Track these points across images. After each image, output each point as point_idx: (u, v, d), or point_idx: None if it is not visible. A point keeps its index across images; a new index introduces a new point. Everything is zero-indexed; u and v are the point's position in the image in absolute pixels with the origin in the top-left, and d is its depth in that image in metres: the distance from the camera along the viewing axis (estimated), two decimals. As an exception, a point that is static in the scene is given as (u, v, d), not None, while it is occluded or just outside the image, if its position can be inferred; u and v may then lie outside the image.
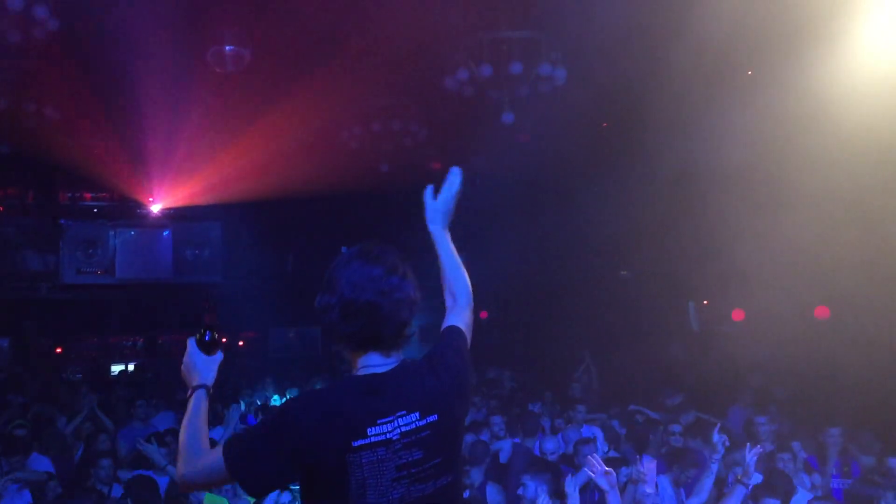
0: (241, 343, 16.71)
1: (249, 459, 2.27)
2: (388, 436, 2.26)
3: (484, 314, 14.51)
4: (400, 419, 2.29)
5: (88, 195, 15.13)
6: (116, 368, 15.21)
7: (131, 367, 15.05)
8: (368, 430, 2.25)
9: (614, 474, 4.53)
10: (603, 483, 4.45)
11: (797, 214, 8.62)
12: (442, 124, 11.70)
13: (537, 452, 7.29)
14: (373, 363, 2.37)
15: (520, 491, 5.65)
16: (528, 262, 13.71)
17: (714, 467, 5.04)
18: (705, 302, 13.18)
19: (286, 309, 15.69)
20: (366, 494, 2.23)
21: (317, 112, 10.57)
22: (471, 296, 2.73)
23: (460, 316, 2.67)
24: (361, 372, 2.37)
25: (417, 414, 2.32)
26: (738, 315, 12.03)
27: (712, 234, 9.82)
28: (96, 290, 14.79)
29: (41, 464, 7.13)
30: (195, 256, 14.93)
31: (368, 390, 2.31)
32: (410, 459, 2.29)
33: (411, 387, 2.36)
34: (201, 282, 15.01)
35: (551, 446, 7.15)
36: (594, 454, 4.78)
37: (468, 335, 2.63)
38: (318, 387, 2.47)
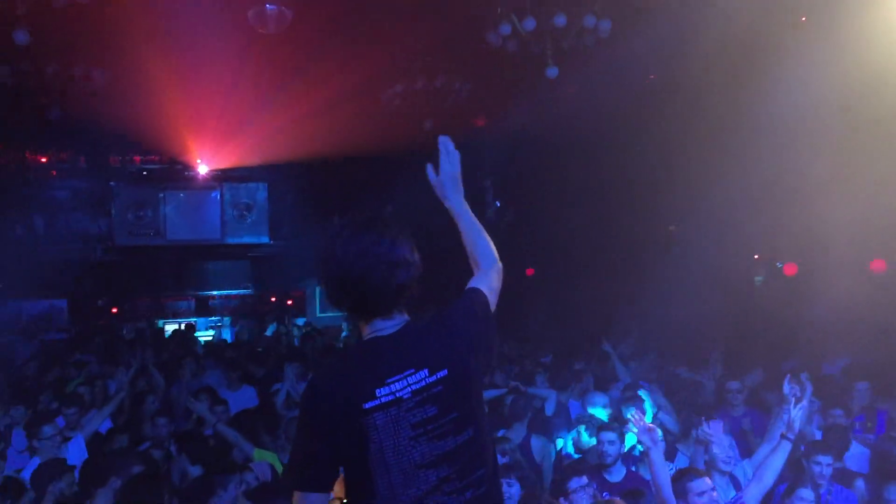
0: (289, 302, 16.95)
1: (312, 467, 2.29)
2: (398, 394, 2.27)
3: (530, 271, 14.48)
4: (409, 377, 2.29)
5: (138, 158, 15.39)
6: (169, 328, 15.57)
7: (183, 325, 15.37)
8: (377, 390, 2.25)
9: (657, 430, 4.50)
10: (646, 440, 4.43)
11: (851, 166, 8.39)
12: (485, 80, 11.56)
13: (580, 409, 7.29)
14: (378, 328, 2.37)
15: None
16: (574, 219, 13.58)
17: (785, 417, 4.90)
18: (756, 256, 12.94)
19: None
20: (385, 457, 2.24)
21: (360, 71, 10.53)
22: (495, 260, 2.66)
23: (483, 279, 2.62)
24: (367, 337, 2.38)
25: (426, 370, 2.31)
26: (790, 269, 11.79)
27: (764, 186, 9.60)
28: (148, 252, 15.11)
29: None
30: (242, 217, 15.12)
31: (375, 353, 2.33)
32: (425, 416, 2.28)
33: (418, 345, 2.36)
34: (249, 242, 15.22)
35: (599, 402, 7.14)
36: (637, 412, 4.73)
37: (491, 297, 2.57)
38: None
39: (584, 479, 4.79)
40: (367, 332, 2.38)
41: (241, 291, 16.81)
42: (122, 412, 7.87)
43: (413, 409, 2.27)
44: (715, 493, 4.50)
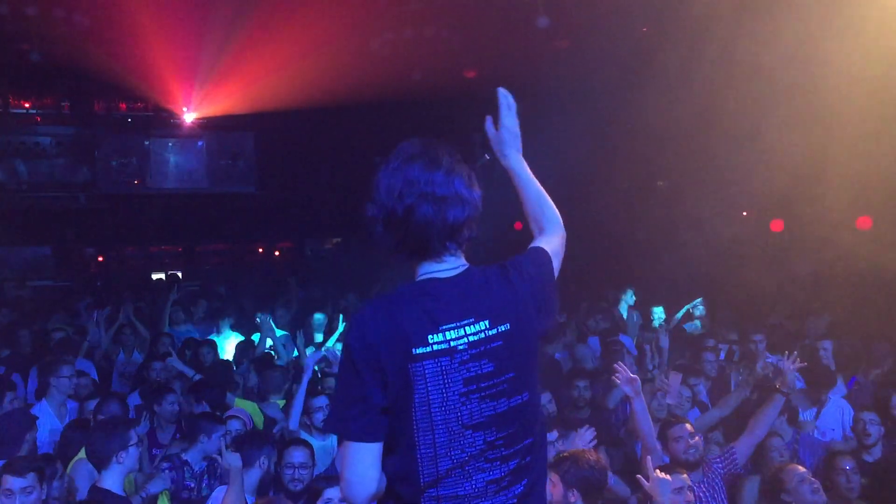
0: (276, 253, 16.91)
1: (367, 414, 2.03)
2: (452, 344, 2.04)
3: (518, 225, 14.46)
4: (466, 327, 2.06)
5: (123, 105, 15.16)
6: (157, 276, 15.51)
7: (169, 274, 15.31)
8: (429, 336, 2.03)
9: (639, 381, 4.55)
10: (628, 390, 4.49)
11: (835, 127, 8.37)
12: (476, 31, 11.39)
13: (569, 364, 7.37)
14: (432, 270, 2.13)
15: None
16: (562, 173, 13.52)
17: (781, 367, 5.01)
18: (745, 213, 12.96)
19: (321, 219, 15.79)
20: (431, 412, 2.02)
21: (348, 18, 10.35)
22: (561, 225, 2.46)
23: (548, 242, 2.39)
24: (421, 278, 2.14)
25: (487, 321, 2.08)
26: (777, 225, 11.82)
27: (753, 145, 9.58)
28: (134, 200, 14.98)
29: (84, 367, 7.34)
30: (229, 166, 15.00)
31: (429, 296, 2.08)
32: (480, 372, 2.06)
33: (480, 293, 2.11)
34: (236, 192, 15.11)
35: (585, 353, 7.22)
36: (621, 363, 4.78)
37: (556, 261, 2.35)
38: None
39: (555, 434, 4.82)
40: (419, 274, 2.14)
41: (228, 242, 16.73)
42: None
43: (467, 363, 2.05)
44: (696, 439, 4.58)
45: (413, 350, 2.01)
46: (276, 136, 15.25)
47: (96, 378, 7.18)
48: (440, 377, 2.02)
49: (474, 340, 2.06)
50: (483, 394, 2.05)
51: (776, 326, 8.86)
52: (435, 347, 2.03)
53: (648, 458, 4.04)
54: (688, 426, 4.67)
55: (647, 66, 10.88)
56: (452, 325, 2.05)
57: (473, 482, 2.05)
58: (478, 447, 2.05)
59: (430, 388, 2.02)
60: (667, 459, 4.51)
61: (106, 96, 14.85)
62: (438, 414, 2.02)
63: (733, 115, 9.96)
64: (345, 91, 12.27)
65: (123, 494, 4.28)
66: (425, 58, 11.71)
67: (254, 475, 4.53)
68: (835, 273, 10.07)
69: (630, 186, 13.60)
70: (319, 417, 5.58)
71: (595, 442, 4.32)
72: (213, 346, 7.94)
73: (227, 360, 7.94)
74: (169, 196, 15.02)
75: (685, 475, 4.11)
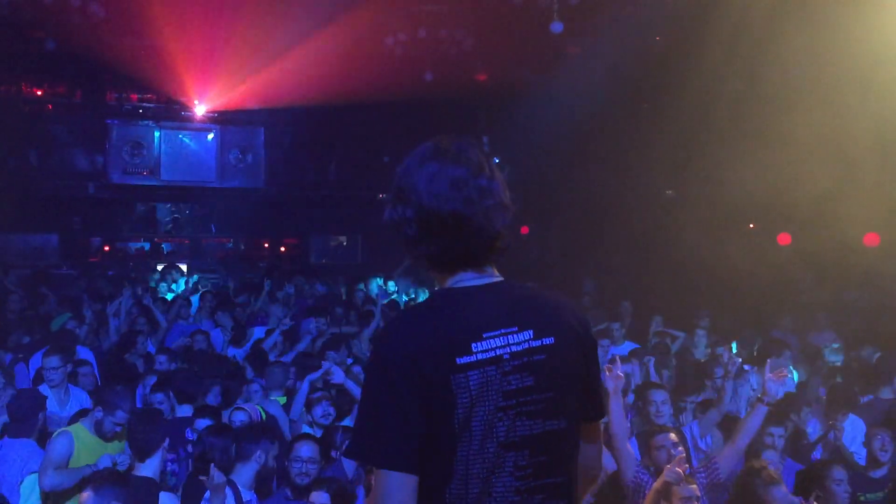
0: (282, 249, 16.92)
1: (406, 440, 1.81)
2: (497, 352, 1.87)
3: (525, 229, 14.46)
4: (510, 336, 1.90)
5: (135, 96, 15.19)
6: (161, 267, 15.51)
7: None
8: (473, 345, 1.85)
9: (622, 380, 4.55)
10: (609, 384, 4.47)
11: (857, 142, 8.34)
12: (489, 34, 11.41)
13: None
14: (468, 278, 1.97)
15: None
16: (571, 178, 13.53)
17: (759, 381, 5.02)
18: (751, 225, 12.93)
19: (328, 216, 15.81)
20: (471, 427, 1.83)
21: (362, 17, 10.37)
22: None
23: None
24: (456, 286, 1.97)
25: (531, 332, 1.92)
26: (784, 239, 11.79)
27: (768, 156, 9.55)
28: (143, 191, 15.03)
29: (84, 355, 7.38)
30: (238, 161, 15.01)
31: (467, 303, 1.92)
32: (521, 385, 1.88)
33: (523, 303, 1.96)
34: (244, 186, 15.13)
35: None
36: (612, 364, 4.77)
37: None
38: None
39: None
40: (453, 282, 1.97)
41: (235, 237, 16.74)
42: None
43: (510, 375, 1.87)
44: (680, 449, 4.53)
45: (457, 359, 1.84)
46: (285, 132, 15.30)
47: (95, 367, 7.20)
48: (484, 389, 1.85)
49: (517, 350, 1.90)
50: (520, 410, 1.88)
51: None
52: (480, 356, 1.86)
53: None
54: (672, 435, 4.64)
55: (658, 76, 10.89)
56: (496, 333, 1.89)
57: None
58: (507, 470, 1.86)
59: (475, 401, 1.83)
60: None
61: (118, 86, 14.90)
62: (478, 428, 1.84)
63: (745, 124, 9.95)
64: (355, 89, 12.30)
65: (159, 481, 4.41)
66: (437, 59, 11.74)
67: (250, 470, 4.52)
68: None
69: (639, 195, 13.57)
70: (319, 412, 5.63)
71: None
72: (206, 335, 8.01)
73: (222, 355, 7.97)
74: (178, 188, 15.07)
75: (694, 485, 4.10)
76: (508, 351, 1.88)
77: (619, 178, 13.18)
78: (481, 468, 1.84)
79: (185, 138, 14.86)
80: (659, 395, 5.40)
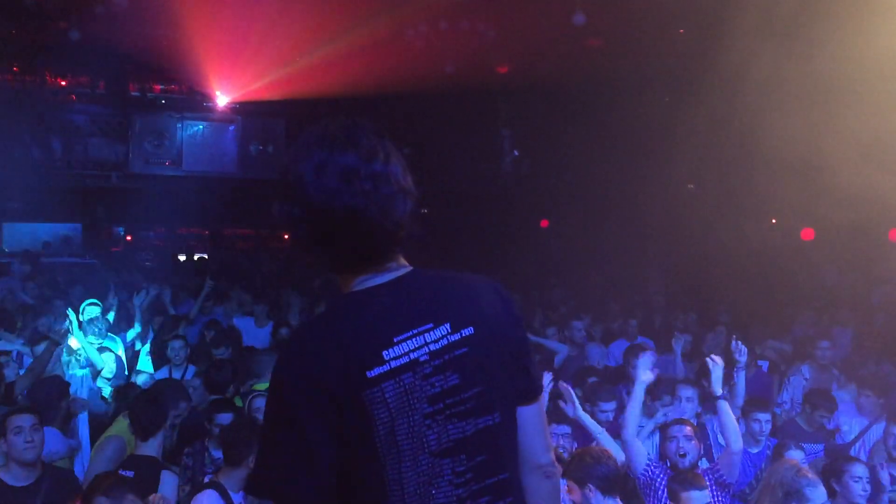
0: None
1: (313, 472, 1.66)
2: (412, 356, 1.68)
3: (545, 222, 14.43)
4: (426, 334, 1.71)
5: (157, 87, 15.32)
6: (183, 258, 15.66)
7: (196, 257, 15.45)
8: (384, 352, 1.67)
9: (651, 377, 4.58)
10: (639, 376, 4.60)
11: (884, 126, 8.22)
12: (510, 26, 11.37)
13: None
14: (370, 277, 1.76)
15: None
16: (592, 173, 13.48)
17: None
18: (773, 220, 12.83)
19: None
20: (398, 441, 1.66)
21: (383, 8, 10.37)
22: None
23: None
24: (358, 287, 1.75)
25: (448, 326, 1.73)
26: (807, 234, 11.69)
27: (789, 149, 9.45)
28: (165, 181, 15.15)
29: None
30: (259, 152, 15.10)
31: (372, 306, 1.72)
32: (446, 387, 1.70)
33: (435, 295, 1.77)
34: (265, 177, 15.21)
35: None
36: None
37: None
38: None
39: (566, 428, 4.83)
40: (355, 284, 1.76)
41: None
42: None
43: (431, 377, 1.69)
44: (692, 444, 4.47)
45: (367, 373, 1.64)
46: (306, 124, 15.30)
47: (118, 355, 7.27)
48: (404, 398, 1.66)
49: (436, 349, 1.71)
50: (449, 413, 1.70)
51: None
52: (393, 364, 1.66)
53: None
54: (687, 428, 4.57)
55: (681, 69, 10.81)
56: (408, 334, 1.70)
57: None
58: (446, 479, 1.69)
59: (394, 415, 1.65)
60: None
61: (140, 77, 15.03)
62: (405, 442, 1.66)
63: (768, 118, 9.85)
64: (376, 81, 12.31)
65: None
66: (459, 51, 11.72)
67: (241, 475, 4.28)
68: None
69: (660, 189, 13.49)
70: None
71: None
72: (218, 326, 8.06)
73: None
74: (199, 179, 15.17)
75: (707, 490, 4.05)
76: (426, 351, 1.70)
77: (640, 171, 13.11)
78: (417, 483, 1.67)
79: (207, 129, 14.96)
80: (686, 391, 5.41)
